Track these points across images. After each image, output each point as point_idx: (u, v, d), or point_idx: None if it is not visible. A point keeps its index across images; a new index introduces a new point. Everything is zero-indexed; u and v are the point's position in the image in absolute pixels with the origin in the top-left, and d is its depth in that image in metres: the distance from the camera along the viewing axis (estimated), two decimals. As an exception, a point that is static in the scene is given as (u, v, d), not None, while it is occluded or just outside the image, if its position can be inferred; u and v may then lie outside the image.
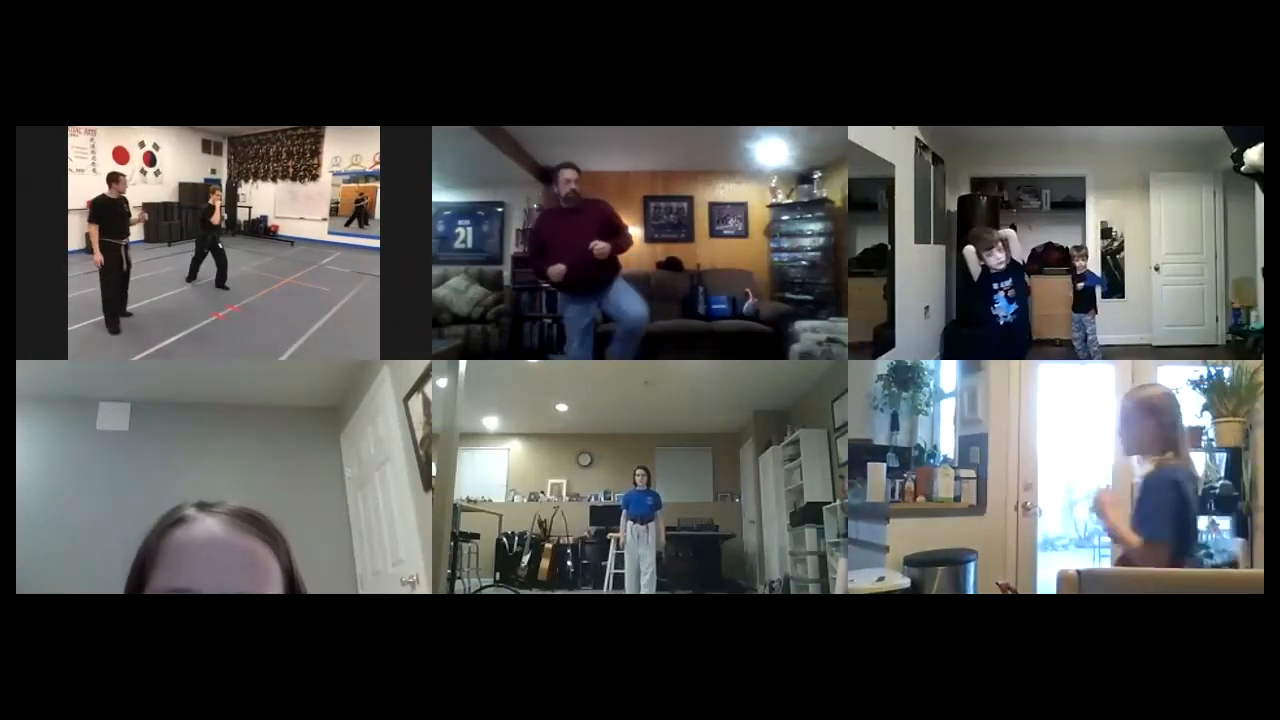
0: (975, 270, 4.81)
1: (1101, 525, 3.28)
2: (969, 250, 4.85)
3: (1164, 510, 2.91)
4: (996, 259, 4.74)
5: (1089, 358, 5.85)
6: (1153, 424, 2.97)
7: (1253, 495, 4.07)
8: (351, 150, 6.87)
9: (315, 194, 7.11)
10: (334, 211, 7.00)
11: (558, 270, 4.71)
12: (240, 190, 7.51)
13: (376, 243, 3.85)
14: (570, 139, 6.73)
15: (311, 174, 7.19)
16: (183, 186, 7.12)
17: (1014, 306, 4.73)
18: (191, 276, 5.96)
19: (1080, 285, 6.21)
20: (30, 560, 3.10)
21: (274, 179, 7.43)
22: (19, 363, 3.07)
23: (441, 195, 7.36)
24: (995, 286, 4.75)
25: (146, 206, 6.56)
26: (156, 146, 6.86)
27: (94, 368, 4.80)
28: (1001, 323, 4.72)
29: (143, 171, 6.71)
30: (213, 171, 7.46)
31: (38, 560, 3.25)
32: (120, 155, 6.29)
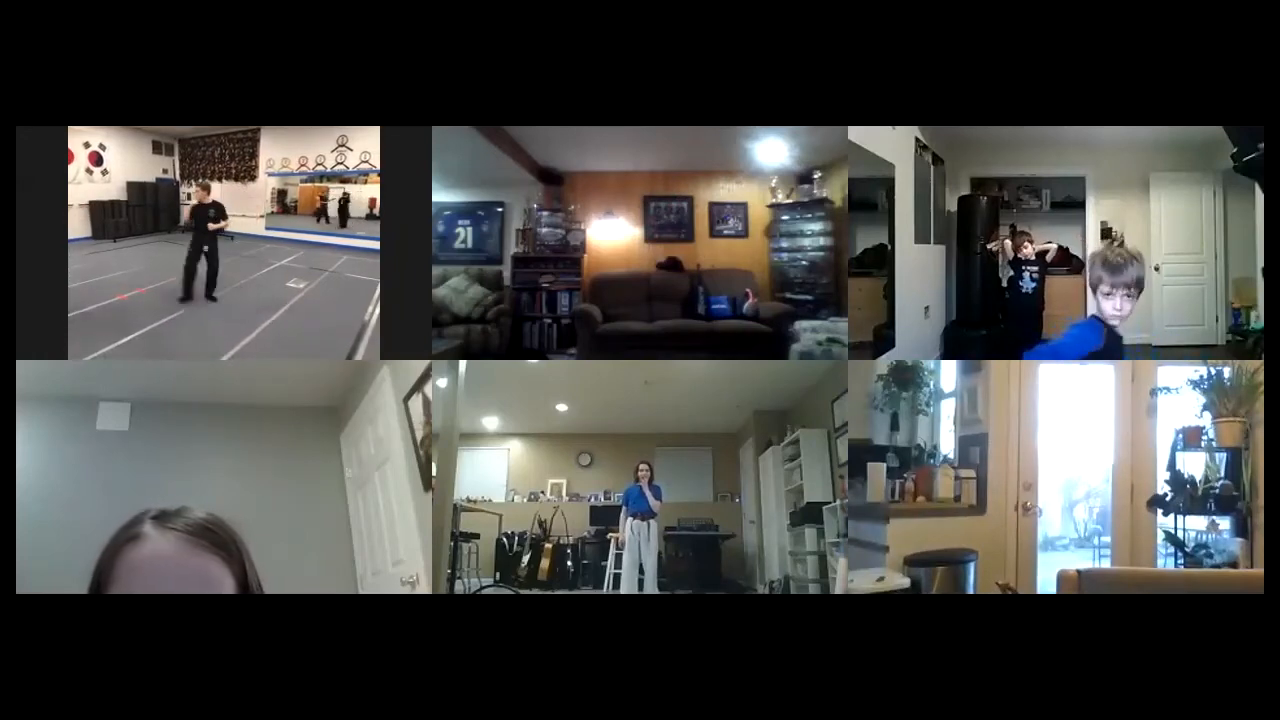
0: (1009, 256, 6.73)
1: None
2: (1007, 243, 6.77)
3: None
4: (1026, 251, 6.72)
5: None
6: None
7: (1253, 495, 4.07)
8: (282, 154, 7.08)
9: (253, 192, 7.43)
10: (293, 209, 7.16)
11: None
12: (185, 190, 7.62)
13: (333, 239, 3.86)
14: (570, 139, 6.73)
15: (250, 175, 7.46)
16: (130, 186, 7.17)
17: (1034, 283, 6.65)
18: (187, 295, 5.56)
19: None
20: (30, 560, 3.09)
21: (219, 179, 7.61)
22: (19, 363, 3.08)
23: (441, 195, 7.36)
24: (1023, 269, 6.68)
25: (93, 205, 6.65)
26: (103, 147, 6.86)
27: (94, 368, 4.79)
28: (1024, 291, 6.63)
29: (89, 171, 6.71)
30: (164, 171, 7.55)
31: (38, 560, 3.24)
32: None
